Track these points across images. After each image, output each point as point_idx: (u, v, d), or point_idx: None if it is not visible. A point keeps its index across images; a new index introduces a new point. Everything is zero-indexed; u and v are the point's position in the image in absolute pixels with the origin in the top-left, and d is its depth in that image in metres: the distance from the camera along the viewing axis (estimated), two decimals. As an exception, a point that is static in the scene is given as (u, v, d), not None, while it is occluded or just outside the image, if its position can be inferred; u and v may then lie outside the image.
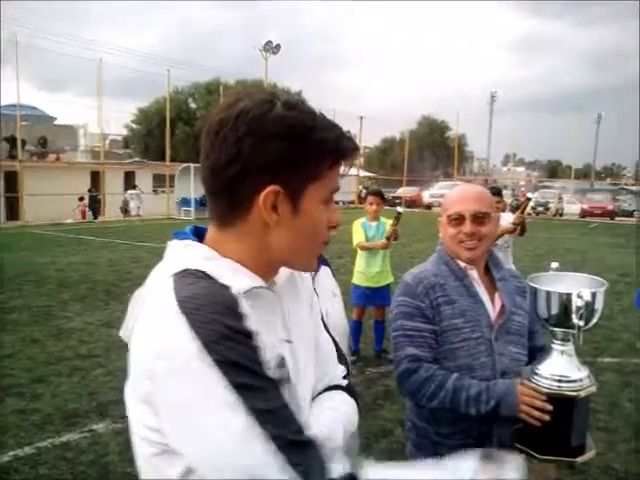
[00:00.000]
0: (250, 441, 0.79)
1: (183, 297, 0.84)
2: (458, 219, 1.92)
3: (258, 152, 0.89)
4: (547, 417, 1.66)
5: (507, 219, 6.02)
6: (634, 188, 37.57)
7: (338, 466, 0.86)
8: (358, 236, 5.96)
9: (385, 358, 5.90)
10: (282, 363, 0.95)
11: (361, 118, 37.24)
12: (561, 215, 31.27)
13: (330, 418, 1.03)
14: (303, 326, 1.08)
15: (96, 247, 14.87)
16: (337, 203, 1.63)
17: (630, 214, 31.36)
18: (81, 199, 24.80)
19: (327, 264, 1.85)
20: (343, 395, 1.11)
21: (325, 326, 1.21)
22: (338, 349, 1.20)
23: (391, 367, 5.72)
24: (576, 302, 1.62)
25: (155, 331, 0.85)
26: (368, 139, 55.60)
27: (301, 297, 1.12)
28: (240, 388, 0.80)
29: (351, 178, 33.85)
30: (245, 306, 0.87)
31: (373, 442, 4.04)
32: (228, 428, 0.79)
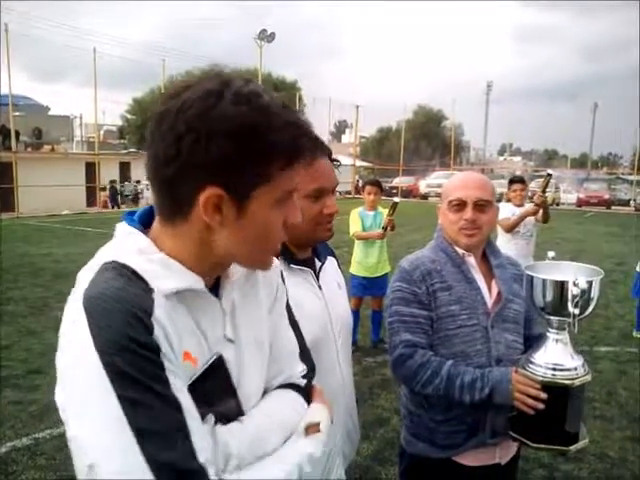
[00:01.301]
0: (127, 461, 0.75)
1: (90, 295, 0.82)
2: (459, 205, 1.92)
3: (198, 152, 0.82)
4: (541, 405, 1.66)
5: (504, 209, 5.92)
6: (630, 177, 37.61)
7: None
8: (355, 226, 5.96)
9: (382, 348, 5.92)
10: (222, 362, 0.93)
11: (357, 107, 37.14)
12: (557, 204, 31.27)
13: (265, 423, 0.97)
14: (255, 325, 1.03)
15: (92, 238, 14.83)
16: (334, 193, 1.64)
17: (626, 203, 31.42)
18: (103, 189, 25.58)
19: (334, 255, 1.84)
20: (292, 395, 1.05)
21: (294, 322, 1.16)
22: (303, 347, 1.15)
23: (388, 357, 5.70)
24: (572, 290, 1.62)
25: (64, 326, 0.84)
26: (364, 129, 55.49)
27: (259, 293, 1.07)
28: (127, 403, 0.76)
29: (347, 168, 33.76)
30: (161, 314, 0.82)
31: (370, 431, 4.05)
32: (106, 444, 0.76)
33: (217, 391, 0.93)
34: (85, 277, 0.86)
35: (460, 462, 1.91)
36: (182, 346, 0.85)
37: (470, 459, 1.91)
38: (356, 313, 6.10)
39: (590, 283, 1.64)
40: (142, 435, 0.75)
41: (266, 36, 31.82)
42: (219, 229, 0.88)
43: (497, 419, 1.85)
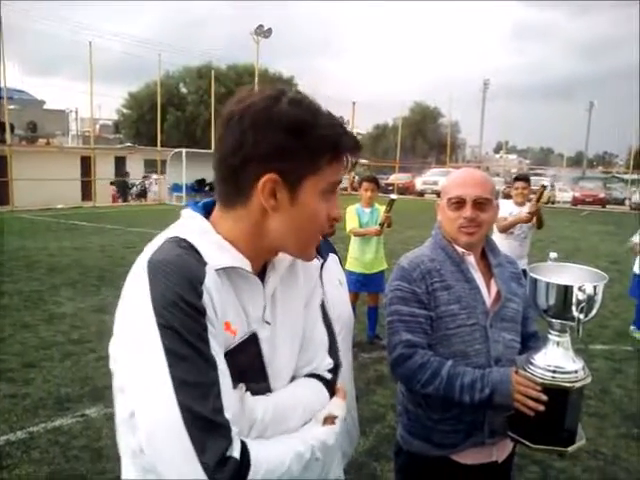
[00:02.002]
0: (162, 406, 0.86)
1: (154, 259, 0.94)
2: (459, 203, 1.90)
3: (259, 143, 0.96)
4: (542, 407, 1.65)
5: (503, 207, 5.94)
6: (625, 176, 37.70)
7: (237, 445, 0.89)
8: (352, 222, 5.96)
9: (378, 344, 5.93)
10: (255, 340, 1.04)
11: (354, 104, 37.08)
12: (553, 203, 31.34)
13: (290, 401, 1.06)
14: (292, 312, 1.14)
15: (88, 232, 14.79)
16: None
17: (621, 202, 31.53)
18: (112, 183, 26.27)
19: (335, 252, 1.83)
20: (318, 385, 1.15)
21: (328, 321, 1.24)
22: (333, 344, 1.23)
23: (383, 353, 5.74)
24: (577, 295, 1.60)
25: (127, 283, 0.96)
26: (361, 125, 55.45)
27: (298, 286, 1.17)
28: (171, 354, 0.87)
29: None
30: (211, 284, 0.93)
31: (366, 427, 4.05)
32: (148, 388, 0.87)
33: (249, 366, 1.03)
34: (149, 248, 0.98)
35: (457, 460, 1.91)
36: (225, 316, 0.97)
37: (467, 457, 1.90)
38: (352, 309, 6.09)
39: (595, 288, 1.62)
40: (180, 385, 0.86)
41: (263, 32, 31.70)
42: (273, 214, 1.01)
43: (495, 419, 1.84)
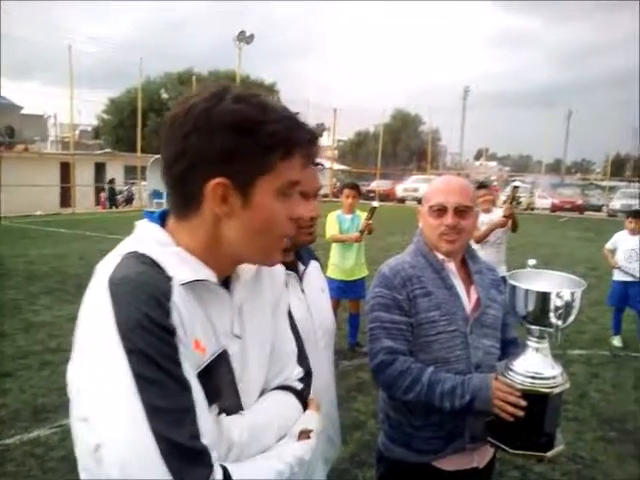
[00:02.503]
0: (135, 435, 0.80)
1: (115, 277, 0.87)
2: (440, 210, 1.92)
3: (203, 146, 0.91)
4: (521, 413, 1.67)
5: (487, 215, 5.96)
6: (603, 183, 38.26)
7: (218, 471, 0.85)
8: (332, 229, 5.95)
9: (359, 351, 5.92)
10: (226, 356, 0.99)
11: (335, 110, 37.18)
12: (532, 209, 31.68)
13: (264, 419, 1.03)
14: (260, 323, 1.09)
15: (67, 239, 14.61)
16: (316, 197, 1.63)
17: (599, 209, 31.96)
18: (102, 189, 26.61)
19: (317, 259, 1.83)
20: (290, 398, 1.11)
21: (293, 326, 1.20)
22: (301, 352, 1.19)
23: (365, 360, 5.74)
24: (555, 302, 1.62)
25: (85, 304, 0.89)
26: (343, 132, 55.57)
27: (264, 294, 1.12)
28: (141, 380, 0.81)
29: (325, 171, 33.77)
30: (178, 299, 0.88)
31: (347, 434, 4.04)
32: (118, 418, 0.81)
33: (220, 384, 0.97)
34: (106, 266, 0.91)
35: (438, 467, 1.91)
36: (193, 334, 0.90)
37: (448, 464, 1.91)
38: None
39: (573, 294, 1.64)
40: (153, 412, 0.80)
41: (245, 38, 31.71)
42: (227, 221, 0.95)
43: (476, 425, 1.85)
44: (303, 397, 1.14)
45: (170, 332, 0.85)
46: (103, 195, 26.98)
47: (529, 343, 1.74)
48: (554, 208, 31.86)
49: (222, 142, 0.91)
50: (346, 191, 6.07)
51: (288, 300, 1.22)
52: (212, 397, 0.93)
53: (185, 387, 0.84)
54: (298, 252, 1.68)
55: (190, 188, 0.94)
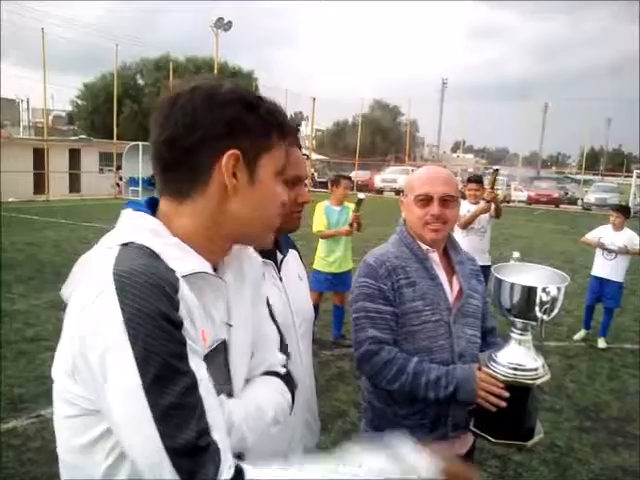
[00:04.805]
0: (142, 433, 0.79)
1: (120, 270, 0.84)
2: (425, 200, 1.92)
3: (215, 118, 0.93)
4: (503, 404, 1.70)
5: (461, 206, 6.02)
6: (578, 177, 38.85)
7: (228, 468, 0.82)
8: (320, 223, 5.90)
9: (343, 343, 5.94)
10: (224, 347, 1.00)
11: (314, 99, 37.02)
12: (508, 202, 32.03)
13: (261, 403, 1.05)
14: (245, 311, 1.09)
15: (41, 227, 14.37)
16: (306, 184, 1.64)
17: (574, 202, 32.47)
18: (120, 178, 26.65)
19: (295, 248, 1.83)
20: (278, 382, 1.14)
21: (271, 314, 1.22)
22: (282, 338, 1.22)
23: (346, 350, 5.79)
24: (541, 296, 1.65)
25: (87, 298, 0.84)
26: (321, 121, 55.51)
27: (246, 281, 1.12)
28: (148, 377, 0.79)
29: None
30: (184, 291, 0.87)
31: (328, 423, 4.05)
32: (127, 413, 0.80)
33: (217, 373, 0.96)
34: (102, 258, 0.88)
35: (420, 455, 1.93)
36: (200, 325, 0.90)
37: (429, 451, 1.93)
38: (315, 308, 6.08)
39: (559, 289, 1.67)
40: (161, 413, 0.79)
41: (222, 24, 31.30)
42: (233, 198, 0.96)
43: (458, 414, 1.88)
44: (289, 381, 1.16)
45: (178, 325, 0.83)
46: (121, 183, 26.61)
47: (512, 335, 1.77)
48: (530, 201, 32.26)
49: (233, 115, 0.94)
50: (344, 182, 6.04)
51: (266, 288, 1.24)
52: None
53: (193, 383, 0.83)
54: (277, 241, 1.67)
55: (201, 163, 0.94)
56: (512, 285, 1.70)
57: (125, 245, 0.90)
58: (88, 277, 0.88)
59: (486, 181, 6.31)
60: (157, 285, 0.83)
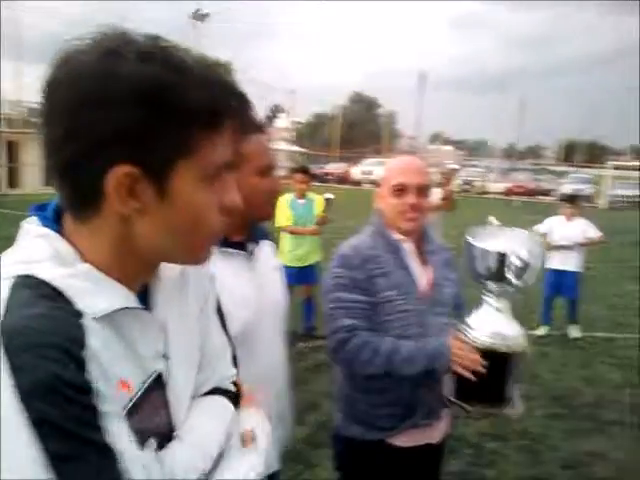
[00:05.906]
0: None
1: (10, 327, 0.65)
2: (401, 190, 1.93)
3: (101, 124, 0.68)
4: (482, 370, 1.70)
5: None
6: (555, 168, 39.29)
7: None
8: (284, 218, 5.82)
9: (315, 335, 5.92)
10: (159, 380, 0.83)
11: (293, 91, 36.91)
12: (486, 193, 32.32)
13: (204, 438, 0.90)
14: (185, 333, 0.92)
15: (16, 221, 14.08)
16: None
17: (549, 193, 32.89)
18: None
19: (269, 238, 1.79)
20: (224, 403, 0.98)
21: (224, 325, 1.07)
22: (233, 349, 1.08)
23: (321, 342, 5.74)
24: (513, 261, 1.64)
25: None
26: (299, 114, 55.35)
27: (190, 296, 0.94)
28: (55, 457, 0.63)
29: (281, 153, 33.57)
30: (93, 343, 0.69)
31: (302, 415, 4.05)
32: None
33: (152, 410, 0.81)
34: None
35: (394, 443, 1.94)
36: (117, 376, 0.73)
37: (403, 440, 1.94)
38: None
39: (530, 253, 1.66)
40: None
41: (200, 16, 31.04)
42: (138, 218, 0.74)
43: (431, 399, 1.89)
44: (237, 398, 1.02)
45: (86, 392, 0.66)
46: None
47: (489, 301, 1.77)
48: (507, 192, 32.57)
49: (125, 117, 0.68)
50: (298, 176, 5.91)
51: (216, 295, 1.07)
52: (144, 426, 0.77)
53: (110, 456, 0.67)
54: (249, 230, 1.63)
55: (83, 180, 0.71)
56: (483, 250, 1.71)
57: (21, 279, 0.70)
58: None
59: (464, 173, 6.30)
60: (56, 345, 0.65)
